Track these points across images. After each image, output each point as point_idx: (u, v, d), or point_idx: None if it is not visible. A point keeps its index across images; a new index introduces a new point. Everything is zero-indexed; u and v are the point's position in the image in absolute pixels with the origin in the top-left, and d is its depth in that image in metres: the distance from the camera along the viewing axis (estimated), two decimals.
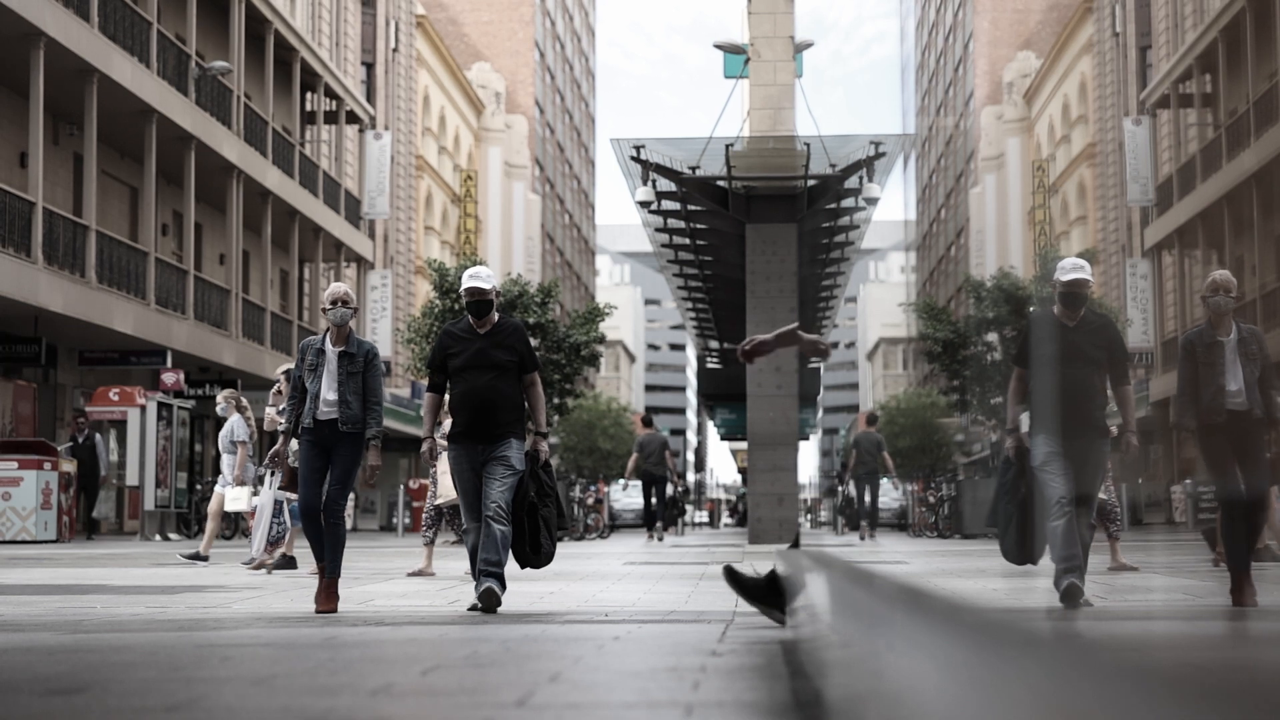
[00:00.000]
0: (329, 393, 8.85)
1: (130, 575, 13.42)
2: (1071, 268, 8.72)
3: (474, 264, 16.15)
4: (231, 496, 15.50)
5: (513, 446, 8.59)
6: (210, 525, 16.02)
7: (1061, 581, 8.29)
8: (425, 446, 9.04)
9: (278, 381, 14.00)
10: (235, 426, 15.54)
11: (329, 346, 8.97)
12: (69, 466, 24.92)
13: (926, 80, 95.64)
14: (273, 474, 13.77)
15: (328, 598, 8.65)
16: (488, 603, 8.26)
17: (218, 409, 16.02)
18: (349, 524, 15.47)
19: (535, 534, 8.62)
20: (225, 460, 15.59)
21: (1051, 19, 70.93)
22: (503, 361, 8.66)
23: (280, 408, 14.12)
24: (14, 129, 26.13)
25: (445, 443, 14.11)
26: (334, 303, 8.98)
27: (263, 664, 5.40)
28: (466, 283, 8.77)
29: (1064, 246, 55.68)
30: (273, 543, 14.06)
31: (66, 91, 25.65)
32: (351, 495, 39.11)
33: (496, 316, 8.85)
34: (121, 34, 26.94)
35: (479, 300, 8.73)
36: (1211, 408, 8.78)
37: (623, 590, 10.61)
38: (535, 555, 8.67)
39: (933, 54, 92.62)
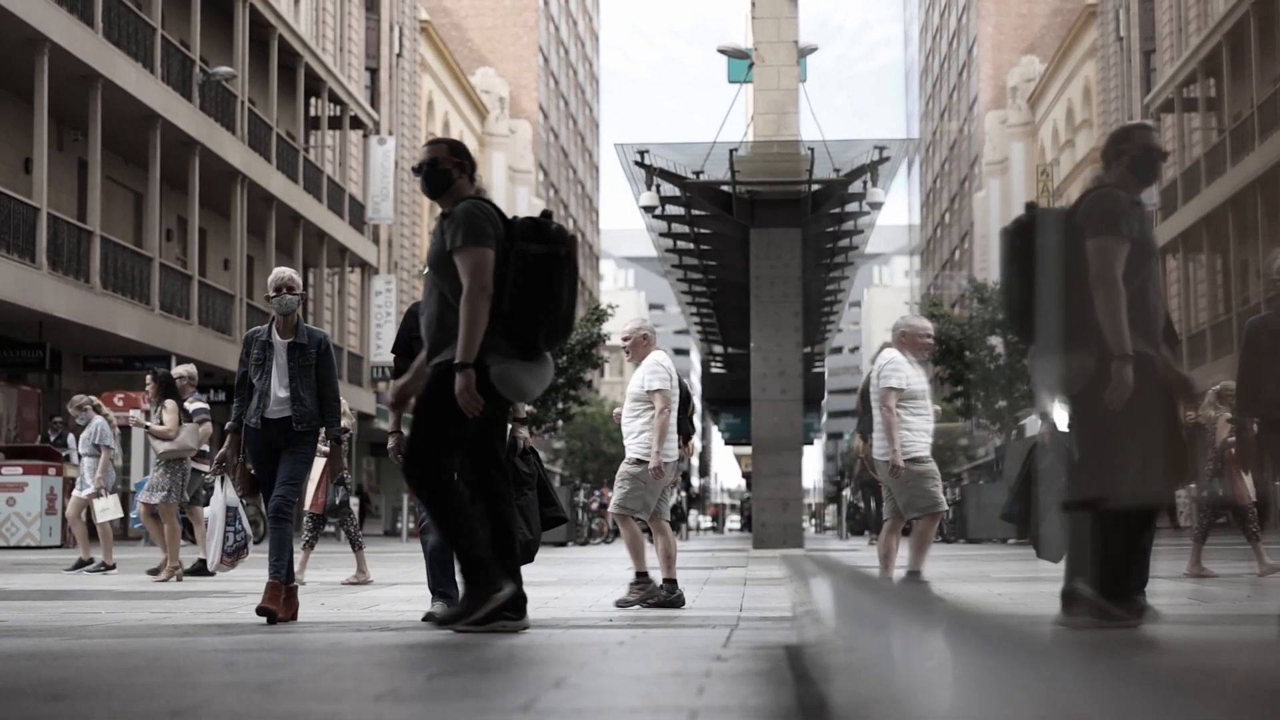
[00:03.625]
0: (280, 389, 7.99)
1: (133, 581, 13.42)
2: None
3: None
4: (100, 507, 15.14)
5: None
6: (78, 530, 15.67)
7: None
8: (392, 443, 7.89)
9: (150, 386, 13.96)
10: (101, 430, 15.28)
11: (276, 339, 8.08)
12: (73, 472, 24.91)
13: (930, 85, 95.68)
14: (223, 481, 13.55)
15: (286, 604, 8.00)
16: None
17: (76, 418, 15.77)
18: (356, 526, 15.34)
19: None
20: (86, 464, 15.37)
21: (1055, 23, 70.95)
22: None
23: (144, 409, 13.96)
24: (18, 134, 26.16)
25: (325, 447, 13.82)
26: (278, 290, 8.10)
27: (267, 669, 5.39)
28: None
29: None
30: (230, 554, 13.66)
31: (71, 97, 25.68)
32: (355, 500, 38.80)
33: None
34: (126, 40, 26.97)
35: None
36: (1275, 402, 7.87)
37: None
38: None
39: (936, 58, 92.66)
